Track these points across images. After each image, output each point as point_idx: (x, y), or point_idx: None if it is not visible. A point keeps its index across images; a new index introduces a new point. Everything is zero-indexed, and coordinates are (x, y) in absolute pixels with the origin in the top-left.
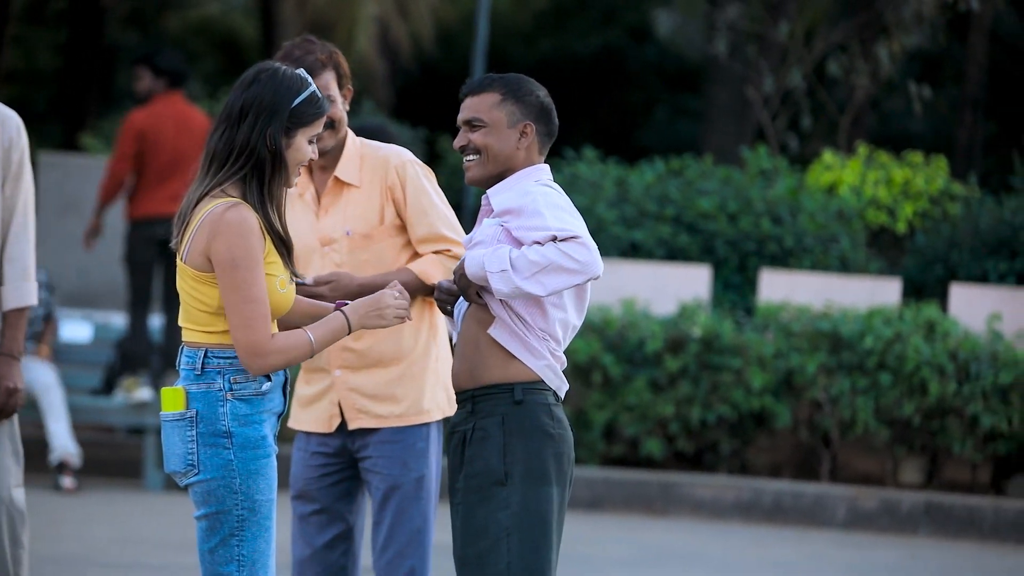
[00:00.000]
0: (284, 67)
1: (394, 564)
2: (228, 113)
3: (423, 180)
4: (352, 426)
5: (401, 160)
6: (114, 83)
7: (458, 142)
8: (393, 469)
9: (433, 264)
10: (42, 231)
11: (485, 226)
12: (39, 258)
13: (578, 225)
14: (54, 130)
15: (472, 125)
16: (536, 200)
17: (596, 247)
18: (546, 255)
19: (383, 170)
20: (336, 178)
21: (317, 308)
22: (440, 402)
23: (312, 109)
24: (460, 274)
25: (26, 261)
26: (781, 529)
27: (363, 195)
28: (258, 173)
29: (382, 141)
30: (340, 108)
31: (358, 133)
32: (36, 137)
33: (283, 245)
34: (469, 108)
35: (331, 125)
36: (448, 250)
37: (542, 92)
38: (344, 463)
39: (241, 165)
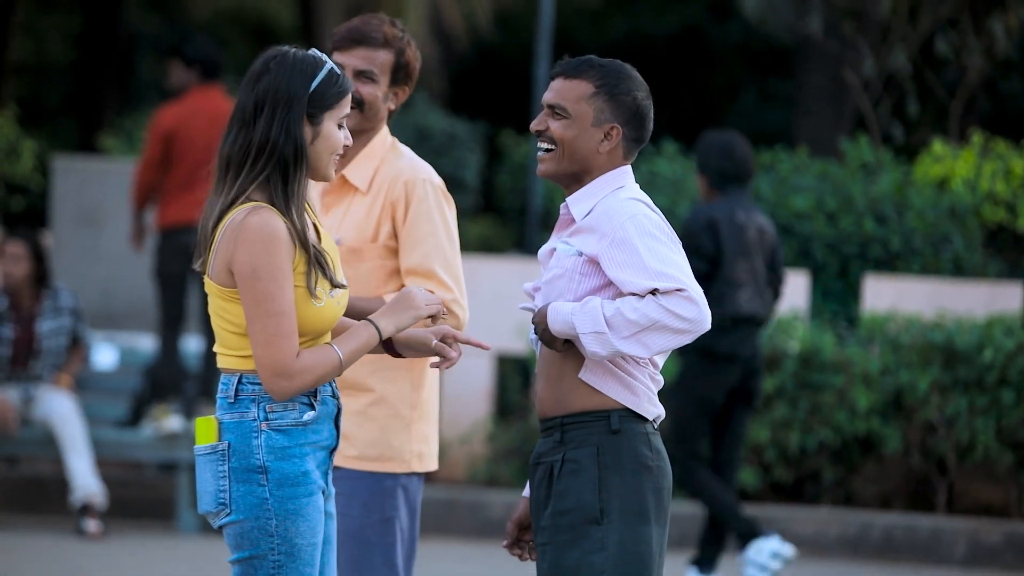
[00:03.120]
0: (293, 50)
1: None
2: (241, 112)
3: (432, 205)
4: None
5: (415, 176)
6: (134, 76)
7: (536, 124)
8: (351, 509)
9: None
10: (59, 244)
11: (561, 255)
12: (57, 274)
13: (680, 264)
14: (69, 129)
15: (555, 112)
16: (627, 228)
17: (703, 296)
18: (647, 314)
19: (391, 183)
20: (343, 177)
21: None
22: (405, 454)
23: (333, 89)
24: (543, 328)
25: None
26: (893, 567)
27: (366, 204)
28: (282, 170)
29: None
30: (375, 90)
31: None
32: (49, 138)
33: (311, 253)
34: (556, 92)
35: (359, 105)
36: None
37: (641, 93)
38: None
39: (263, 165)
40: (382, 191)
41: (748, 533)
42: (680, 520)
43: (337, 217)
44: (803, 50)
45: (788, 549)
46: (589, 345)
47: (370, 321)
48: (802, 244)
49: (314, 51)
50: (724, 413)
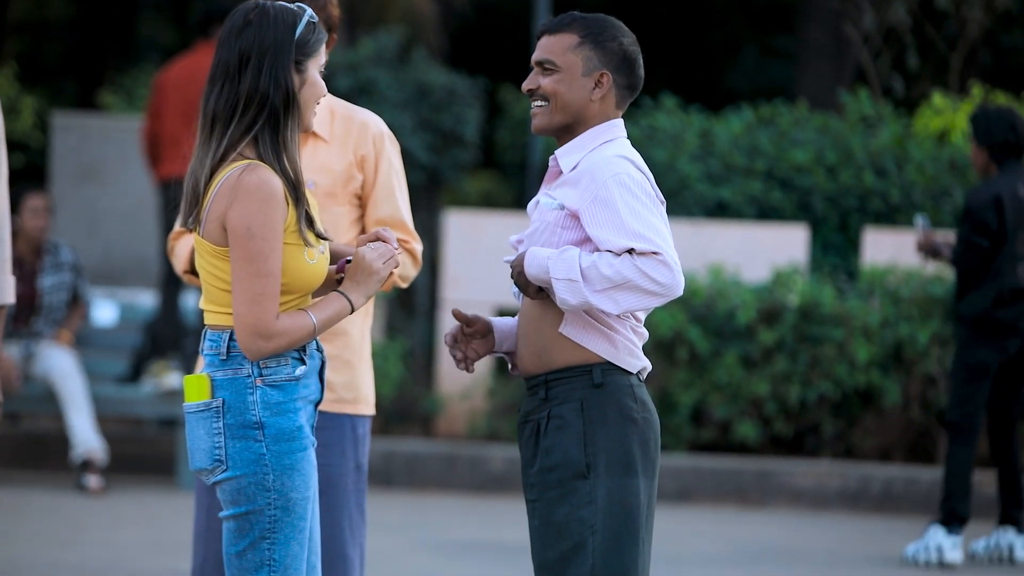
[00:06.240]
0: (269, 2)
1: (331, 562)
2: (224, 67)
3: (396, 159)
4: None
5: (380, 131)
6: (135, 33)
7: (527, 84)
8: (330, 458)
9: None
10: (59, 202)
11: (544, 208)
12: (57, 231)
13: (659, 228)
14: (69, 87)
15: (544, 68)
16: (609, 187)
17: (678, 262)
18: (622, 272)
19: (359, 135)
20: None
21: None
22: (370, 397)
23: (314, 36)
24: (518, 271)
25: (4, 252)
26: (892, 520)
27: (333, 151)
28: (271, 122)
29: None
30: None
31: None
32: (49, 96)
33: (302, 203)
34: (543, 48)
35: None
36: (407, 242)
37: (628, 39)
38: None
39: (252, 117)
40: (349, 141)
41: (950, 517)
42: (681, 473)
43: (304, 163)
44: (803, 5)
45: (957, 555)
46: (560, 292)
47: (341, 293)
48: (802, 197)
49: (284, 3)
50: (1010, 384)
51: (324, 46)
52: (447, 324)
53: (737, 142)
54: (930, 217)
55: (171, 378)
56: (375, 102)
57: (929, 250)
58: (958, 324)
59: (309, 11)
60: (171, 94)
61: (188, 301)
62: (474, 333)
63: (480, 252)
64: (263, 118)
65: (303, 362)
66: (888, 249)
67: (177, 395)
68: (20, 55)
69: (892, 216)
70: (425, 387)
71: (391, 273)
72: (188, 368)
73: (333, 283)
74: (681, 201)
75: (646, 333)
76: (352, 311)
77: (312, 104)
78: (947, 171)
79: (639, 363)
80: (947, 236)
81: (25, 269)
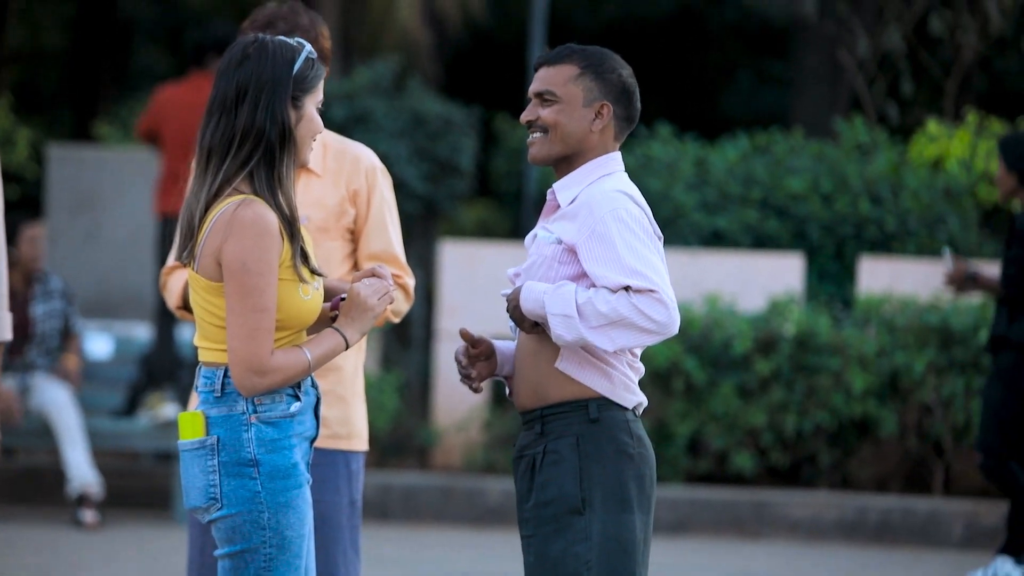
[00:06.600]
0: (268, 37)
1: None
2: (221, 100)
3: (389, 193)
4: None
5: (372, 164)
6: (130, 63)
7: (526, 115)
8: (324, 495)
9: None
10: (54, 233)
11: (541, 242)
12: (53, 263)
13: (655, 265)
14: (64, 117)
15: (544, 99)
16: (607, 222)
17: (674, 300)
18: (617, 309)
19: (352, 168)
20: None
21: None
22: (363, 432)
23: (313, 72)
24: (514, 305)
25: (2, 287)
26: (890, 551)
27: (325, 186)
28: (267, 157)
29: None
30: None
31: None
32: (44, 126)
33: (297, 240)
34: (543, 80)
35: None
36: (399, 276)
37: (626, 71)
38: None
39: (248, 152)
40: (341, 176)
41: None
42: (677, 505)
43: (297, 199)
44: (798, 31)
45: None
46: (556, 327)
47: (336, 330)
48: (797, 226)
49: (283, 38)
50: None
51: (322, 82)
52: (443, 355)
53: (732, 171)
54: (925, 246)
55: (167, 410)
56: (371, 131)
57: (964, 280)
58: (1003, 350)
59: (308, 47)
60: (169, 121)
61: (184, 333)
62: (479, 354)
63: (476, 282)
64: (259, 153)
65: (298, 398)
66: (884, 277)
67: (173, 427)
68: (15, 85)
69: (888, 244)
70: (421, 419)
71: (385, 309)
72: (184, 400)
73: (327, 320)
74: (677, 230)
75: (642, 368)
76: (347, 347)
77: (308, 140)
78: (942, 199)
79: (635, 398)
80: (975, 264)
81: (17, 299)
